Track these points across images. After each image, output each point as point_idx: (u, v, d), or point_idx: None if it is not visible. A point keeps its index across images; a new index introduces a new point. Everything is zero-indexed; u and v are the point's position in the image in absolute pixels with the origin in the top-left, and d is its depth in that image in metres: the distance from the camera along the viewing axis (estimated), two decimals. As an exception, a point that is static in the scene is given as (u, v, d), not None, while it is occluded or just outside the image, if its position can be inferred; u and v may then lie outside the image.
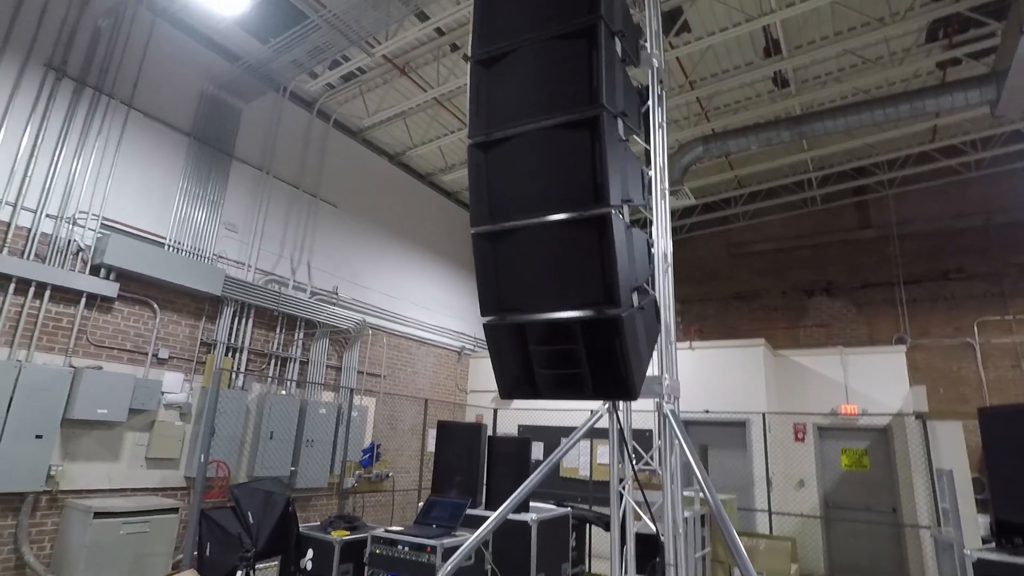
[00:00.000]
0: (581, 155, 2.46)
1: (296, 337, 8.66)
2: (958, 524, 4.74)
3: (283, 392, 8.35)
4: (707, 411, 9.18)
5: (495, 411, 10.62)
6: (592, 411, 3.91)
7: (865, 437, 9.13)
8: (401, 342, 10.56)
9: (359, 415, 9.23)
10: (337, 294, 9.44)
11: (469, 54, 2.81)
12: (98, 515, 5.67)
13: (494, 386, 11.66)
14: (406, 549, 3.80)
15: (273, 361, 8.31)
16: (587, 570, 7.83)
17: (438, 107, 9.52)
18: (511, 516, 5.33)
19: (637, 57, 3.02)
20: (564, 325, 2.54)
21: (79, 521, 5.70)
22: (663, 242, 3.83)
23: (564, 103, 2.51)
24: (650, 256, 2.99)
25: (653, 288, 3.78)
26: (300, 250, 8.99)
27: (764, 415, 8.13)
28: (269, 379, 8.23)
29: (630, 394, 2.48)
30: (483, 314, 2.68)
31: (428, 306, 11.35)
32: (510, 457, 5.73)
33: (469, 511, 5.54)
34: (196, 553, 5.44)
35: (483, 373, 11.94)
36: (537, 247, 2.56)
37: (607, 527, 7.97)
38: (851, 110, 7.48)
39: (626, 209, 2.61)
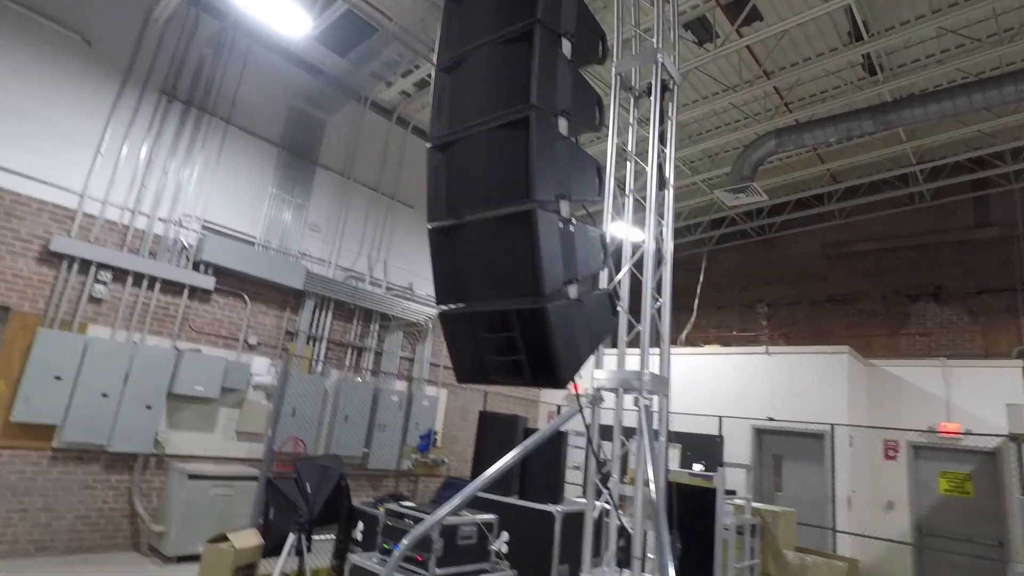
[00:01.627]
0: (517, 153, 2.59)
1: (372, 329, 9.36)
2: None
3: (358, 379, 9.07)
4: (770, 418, 8.62)
5: (558, 408, 10.71)
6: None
7: (970, 460, 8.10)
8: (473, 337, 10.98)
9: (429, 404, 9.77)
10: (412, 290, 10.05)
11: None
12: (192, 477, 6.59)
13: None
14: (411, 523, 4.09)
15: (350, 350, 9.06)
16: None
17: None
18: (537, 506, 5.48)
19: (599, 55, 3.05)
20: (503, 314, 2.69)
21: (177, 481, 6.66)
22: (656, 238, 3.81)
23: (506, 104, 2.66)
24: (605, 251, 3.02)
25: (644, 281, 3.76)
26: (378, 249, 9.69)
27: (832, 427, 7.50)
28: (346, 367, 8.98)
29: (558, 382, 2.58)
30: (437, 303, 2.90)
31: (501, 303, 11.67)
32: (543, 449, 5.85)
33: (500, 498, 5.77)
34: (263, 517, 6.15)
35: (556, 371, 12.06)
36: (482, 241, 2.73)
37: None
38: (944, 95, 6.67)
39: (565, 204, 2.68)
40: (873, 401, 9.07)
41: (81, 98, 6.64)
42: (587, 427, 3.48)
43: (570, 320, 2.65)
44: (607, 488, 3.50)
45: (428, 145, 2.90)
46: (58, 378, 6.18)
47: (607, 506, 3.52)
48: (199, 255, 7.38)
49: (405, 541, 3.17)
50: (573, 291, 2.73)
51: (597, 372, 3.78)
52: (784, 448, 8.94)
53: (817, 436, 8.52)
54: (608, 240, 3.05)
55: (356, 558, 4.24)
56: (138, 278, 6.92)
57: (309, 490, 6.12)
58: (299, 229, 8.62)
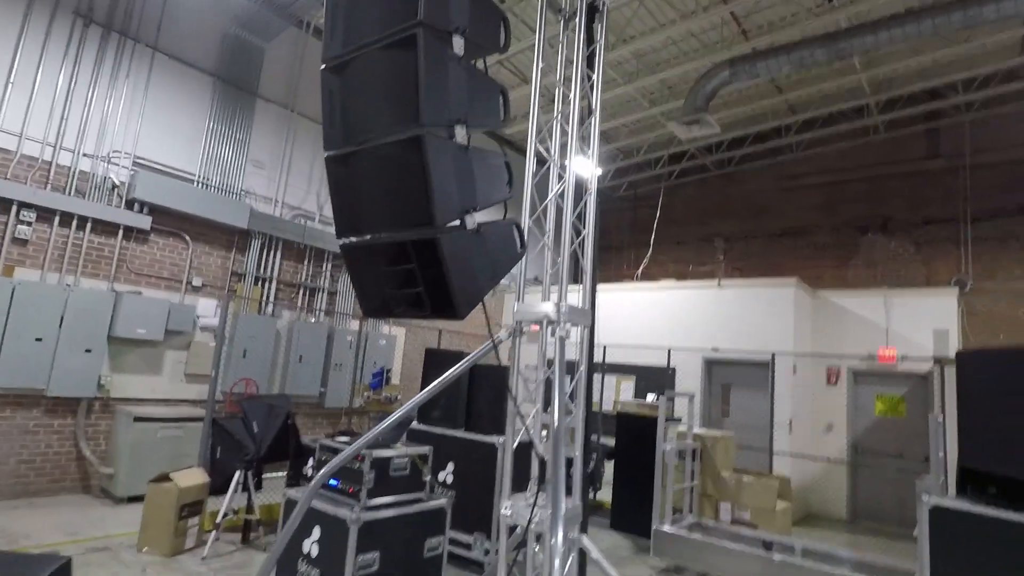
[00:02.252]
0: (406, 74, 2.43)
1: (324, 269, 9.20)
2: (938, 471, 4.46)
3: (312, 320, 8.99)
4: (715, 349, 8.88)
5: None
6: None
7: (904, 383, 8.52)
8: (431, 276, 10.91)
9: (386, 344, 9.78)
10: (364, 229, 9.83)
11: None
12: (138, 419, 6.55)
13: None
14: (345, 458, 4.14)
15: (302, 291, 8.92)
16: (592, 498, 8.11)
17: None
18: (481, 438, 5.60)
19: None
20: (402, 245, 2.62)
21: (124, 424, 6.62)
22: (573, 168, 3.72)
23: (397, 20, 2.48)
24: (511, 179, 2.92)
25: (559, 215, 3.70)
26: (327, 185, 9.36)
27: (773, 355, 7.77)
28: (299, 308, 8.87)
29: (455, 314, 2.54)
30: (338, 236, 2.81)
31: (460, 242, 11.55)
32: (489, 384, 5.94)
33: (446, 431, 5.88)
34: (210, 456, 6.18)
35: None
36: (378, 169, 2.62)
37: (609, 456, 8.14)
38: (894, 22, 6.51)
39: (460, 130, 2.56)
40: (819, 330, 9.37)
41: (-19, 21, 6.08)
42: (498, 361, 3.49)
43: (467, 251, 2.59)
44: (522, 418, 3.55)
45: (322, 67, 2.71)
46: (-14, 323, 5.96)
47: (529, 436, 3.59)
48: (132, 193, 7.04)
49: (323, 471, 3.20)
50: (471, 221, 2.65)
51: (517, 305, 3.76)
52: (732, 377, 9.26)
53: (763, 365, 8.81)
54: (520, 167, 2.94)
55: (290, 491, 4.31)
56: (66, 218, 6.60)
57: (256, 429, 6.15)
58: (241, 165, 8.26)
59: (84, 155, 6.77)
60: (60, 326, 6.42)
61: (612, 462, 7.65)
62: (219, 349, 6.19)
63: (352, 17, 2.67)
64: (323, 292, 9.18)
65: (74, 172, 6.67)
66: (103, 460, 6.70)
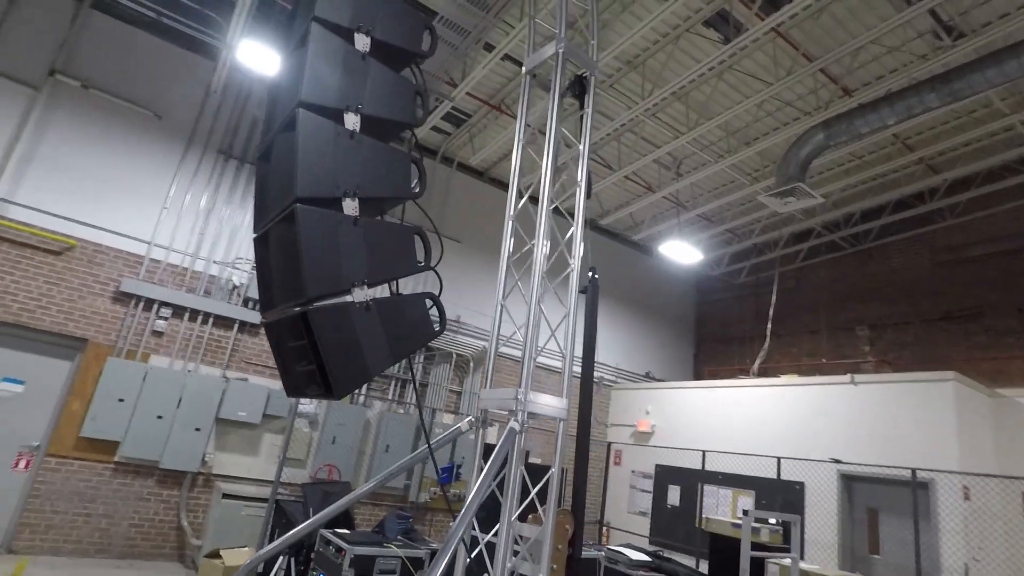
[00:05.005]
0: (291, 151, 2.51)
1: (416, 361, 9.52)
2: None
3: (400, 411, 9.22)
4: (836, 460, 7.16)
5: (610, 446, 9.90)
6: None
7: None
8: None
9: (474, 438, 9.59)
10: (459, 322, 10.11)
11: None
12: (225, 496, 7.08)
13: (634, 419, 10.95)
14: (332, 550, 3.98)
15: (393, 383, 9.27)
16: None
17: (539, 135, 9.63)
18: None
19: (422, 47, 2.89)
20: (295, 320, 2.57)
21: (216, 499, 7.18)
22: (546, 240, 3.47)
23: (290, 105, 2.61)
24: (428, 252, 2.77)
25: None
26: (423, 283, 9.93)
27: (914, 471, 6.00)
28: (389, 399, 9.18)
29: (330, 392, 2.38)
30: (261, 312, 2.86)
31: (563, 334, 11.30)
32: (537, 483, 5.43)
33: (485, 536, 5.40)
34: (268, 538, 6.38)
35: (625, 406, 11.26)
36: (278, 245, 2.67)
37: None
38: (1022, 49, 5.32)
39: (349, 202, 2.52)
40: (1004, 442, 7.22)
41: (151, 162, 7.75)
42: (431, 449, 3.18)
43: (349, 326, 2.46)
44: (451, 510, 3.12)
45: (256, 156, 2.94)
46: (121, 400, 7.06)
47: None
48: (248, 292, 8.10)
49: (250, 560, 3.07)
50: (360, 294, 2.54)
51: (483, 393, 3.50)
52: (880, 499, 7.40)
53: (920, 486, 6.93)
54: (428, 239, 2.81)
55: (284, 581, 4.19)
56: (194, 314, 7.76)
57: (311, 514, 6.26)
58: (345, 265, 9.12)
59: (214, 262, 8.04)
60: (178, 406, 7.37)
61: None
62: (289, 432, 6.55)
63: (275, 109, 2.88)
64: (414, 384, 9.43)
65: (205, 276, 7.91)
66: (196, 532, 7.27)
